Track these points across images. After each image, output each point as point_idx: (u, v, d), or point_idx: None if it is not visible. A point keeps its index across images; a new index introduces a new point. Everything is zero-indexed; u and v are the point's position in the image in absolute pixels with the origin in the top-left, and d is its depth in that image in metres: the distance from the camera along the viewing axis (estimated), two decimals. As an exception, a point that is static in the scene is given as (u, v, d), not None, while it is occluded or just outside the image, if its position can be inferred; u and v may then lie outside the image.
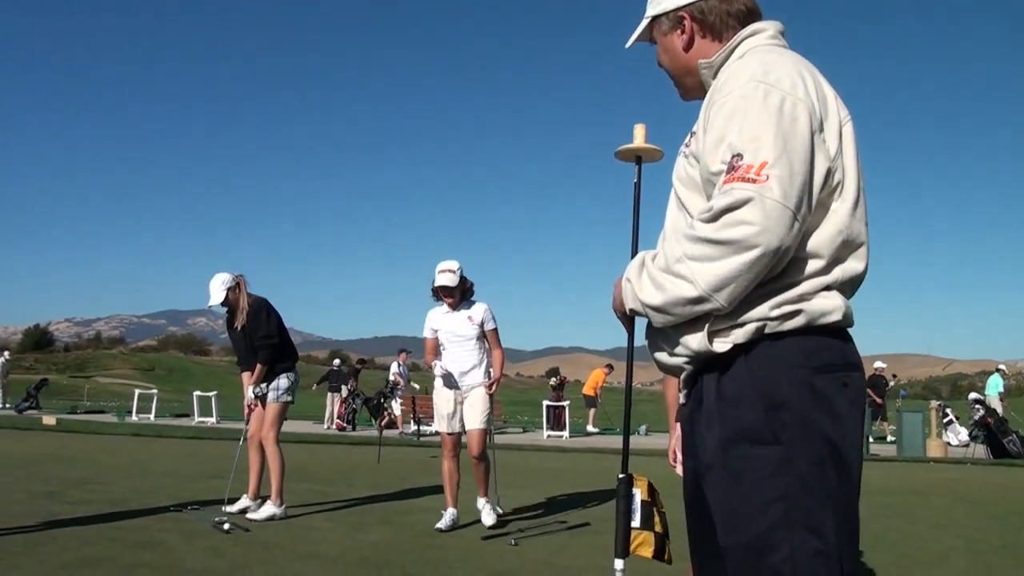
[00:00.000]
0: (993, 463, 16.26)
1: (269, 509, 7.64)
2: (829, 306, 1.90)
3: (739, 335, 1.90)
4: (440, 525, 7.25)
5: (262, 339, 7.87)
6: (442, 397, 7.54)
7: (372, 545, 6.59)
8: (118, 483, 9.98)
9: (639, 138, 2.51)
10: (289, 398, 8.03)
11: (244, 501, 7.91)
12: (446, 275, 7.33)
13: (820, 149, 1.91)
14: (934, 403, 19.74)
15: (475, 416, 7.40)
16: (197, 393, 26.24)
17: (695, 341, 1.94)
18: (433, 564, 5.95)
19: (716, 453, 1.91)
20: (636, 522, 2.07)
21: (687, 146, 2.12)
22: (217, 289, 7.92)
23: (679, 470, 3.70)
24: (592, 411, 24.34)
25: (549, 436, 21.35)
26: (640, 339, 2.26)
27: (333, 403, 23.70)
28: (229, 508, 7.84)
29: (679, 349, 1.99)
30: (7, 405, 29.99)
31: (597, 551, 6.48)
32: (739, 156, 1.84)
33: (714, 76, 2.11)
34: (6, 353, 36.70)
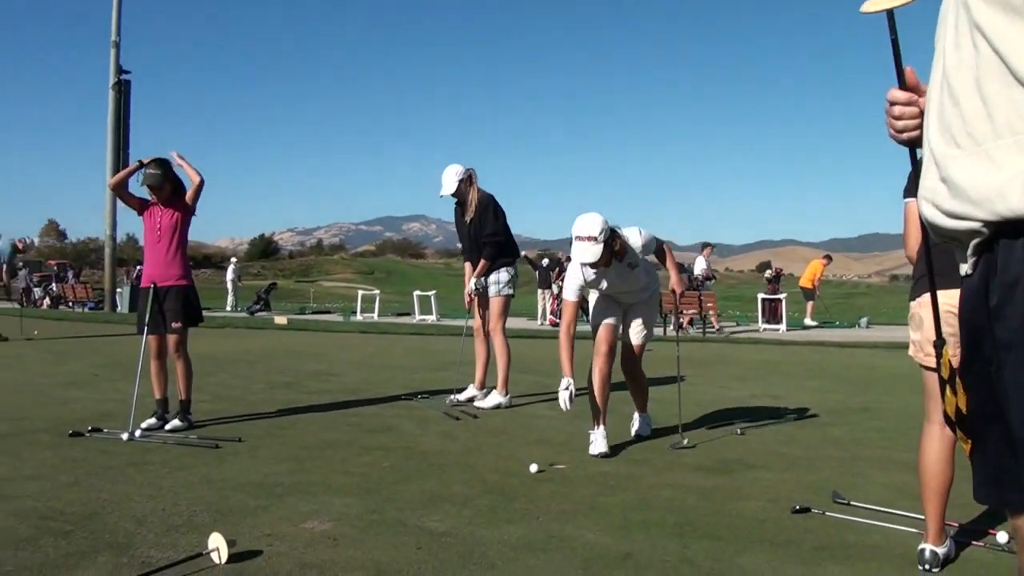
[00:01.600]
0: None
1: (495, 398, 7.79)
2: None
3: None
4: (601, 450, 5.83)
5: (488, 236, 7.91)
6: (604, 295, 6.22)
7: (598, 432, 6.61)
8: (350, 375, 10.46)
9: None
10: (510, 291, 8.09)
11: (471, 390, 8.11)
12: (585, 247, 5.60)
13: None
14: None
15: (636, 329, 6.22)
16: (417, 293, 27.10)
17: (1006, 202, 1.55)
18: (660, 451, 5.91)
19: (1020, 330, 1.57)
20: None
21: None
22: (450, 179, 7.96)
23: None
24: (810, 304, 23.60)
25: (765, 329, 20.88)
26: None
27: (545, 300, 24.05)
28: (457, 396, 8.07)
29: (976, 212, 1.60)
30: (239, 308, 31.98)
31: (826, 442, 6.28)
32: None
33: None
34: (234, 259, 39.10)
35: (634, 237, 5.92)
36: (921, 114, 1.89)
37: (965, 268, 1.75)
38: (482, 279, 7.99)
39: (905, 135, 1.93)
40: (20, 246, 16.68)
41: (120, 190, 6.80)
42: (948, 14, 1.75)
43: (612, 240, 5.73)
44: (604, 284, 6.02)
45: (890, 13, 1.97)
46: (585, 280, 5.96)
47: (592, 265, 5.77)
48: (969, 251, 1.72)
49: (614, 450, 5.84)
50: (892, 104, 1.93)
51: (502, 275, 8.04)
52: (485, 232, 7.94)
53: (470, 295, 8.13)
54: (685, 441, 6.08)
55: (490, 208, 7.98)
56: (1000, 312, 1.62)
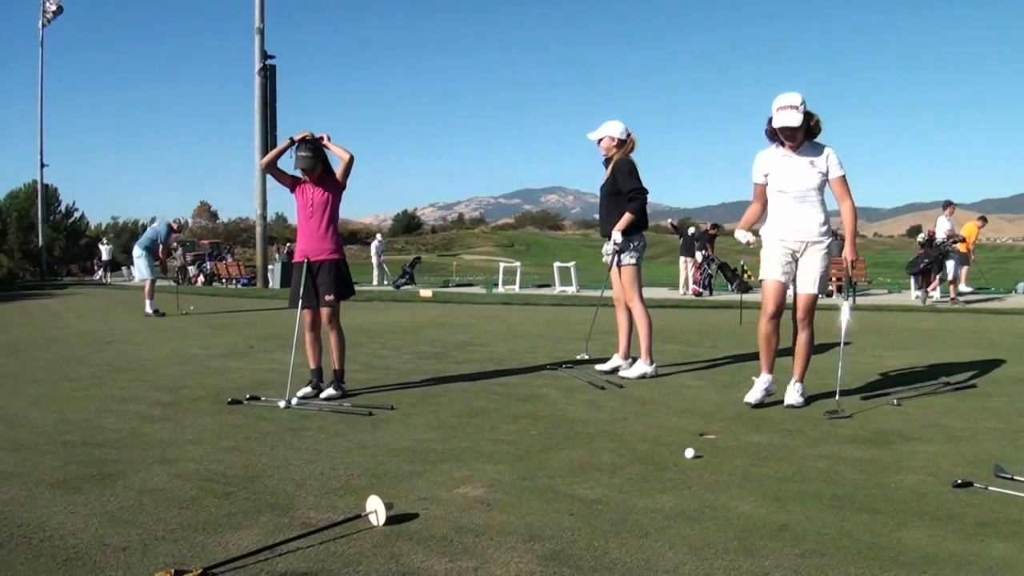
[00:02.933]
0: None
1: (641, 367, 7.75)
2: None
3: None
4: (750, 399, 6.31)
5: (631, 192, 7.73)
6: (775, 248, 6.36)
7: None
8: (495, 345, 10.60)
9: None
10: (632, 260, 7.88)
11: (615, 360, 8.08)
12: (788, 113, 6.07)
13: None
14: None
15: (808, 278, 6.30)
16: (557, 264, 27.15)
17: None
18: (812, 422, 5.76)
19: None
20: None
21: None
22: (601, 130, 7.91)
23: None
24: (965, 269, 22.51)
25: (917, 297, 20.12)
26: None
27: (687, 268, 23.71)
28: (602, 367, 8.06)
29: None
30: (385, 282, 32.81)
31: (988, 413, 6.01)
32: None
33: None
34: (379, 235, 40.13)
35: (829, 147, 6.26)
36: None
37: None
38: (618, 236, 7.77)
39: None
40: (175, 226, 17.54)
41: (272, 169, 6.99)
42: None
43: (809, 115, 6.16)
44: (780, 174, 6.29)
45: None
46: (762, 166, 6.39)
47: (788, 135, 6.14)
48: None
49: (763, 422, 5.73)
50: None
51: (620, 234, 7.83)
52: (626, 189, 7.74)
53: (608, 254, 7.99)
54: (841, 410, 5.92)
55: (626, 167, 7.79)
56: None
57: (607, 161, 7.96)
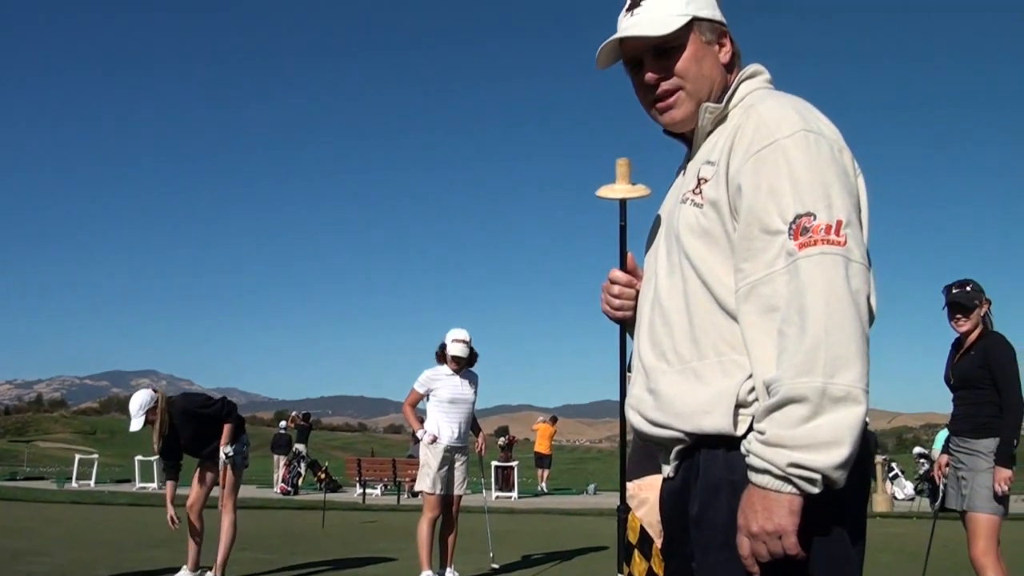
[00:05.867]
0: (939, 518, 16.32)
1: (207, 581, 7.43)
2: None
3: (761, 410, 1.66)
4: None
5: (225, 417, 7.53)
6: (436, 457, 7.69)
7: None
8: (57, 555, 9.68)
9: (623, 177, 2.18)
10: (245, 464, 7.85)
11: (184, 572, 7.69)
12: (459, 346, 7.82)
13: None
14: (879, 457, 19.88)
15: (462, 481, 7.99)
16: (139, 458, 25.66)
17: (711, 420, 1.74)
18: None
19: (721, 533, 1.69)
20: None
21: (697, 193, 1.88)
22: (136, 414, 7.43)
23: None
24: (546, 471, 24.00)
25: (498, 497, 21.15)
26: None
27: (280, 465, 23.26)
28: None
29: (680, 424, 1.80)
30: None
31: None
32: (811, 216, 1.63)
33: (718, 116, 1.91)
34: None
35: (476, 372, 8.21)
36: (636, 296, 2.09)
37: (667, 470, 1.91)
38: (230, 450, 7.48)
39: (620, 314, 2.15)
40: None
41: None
42: (661, 242, 1.98)
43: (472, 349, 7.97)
44: (449, 389, 7.85)
45: (623, 202, 2.22)
46: (429, 381, 7.88)
47: (459, 364, 7.84)
48: (672, 455, 1.88)
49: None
50: (613, 283, 2.15)
51: (232, 447, 7.66)
52: (222, 416, 7.52)
53: (224, 468, 7.54)
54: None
55: (197, 400, 7.84)
56: (701, 516, 1.76)
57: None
